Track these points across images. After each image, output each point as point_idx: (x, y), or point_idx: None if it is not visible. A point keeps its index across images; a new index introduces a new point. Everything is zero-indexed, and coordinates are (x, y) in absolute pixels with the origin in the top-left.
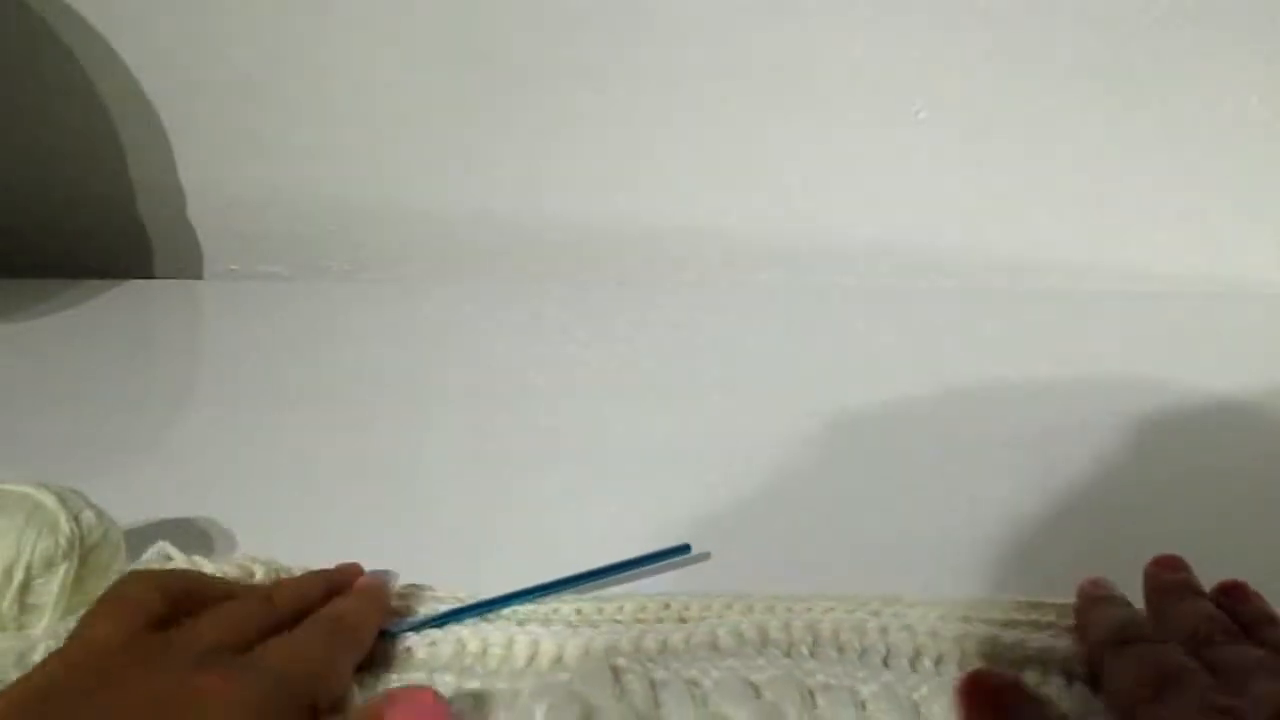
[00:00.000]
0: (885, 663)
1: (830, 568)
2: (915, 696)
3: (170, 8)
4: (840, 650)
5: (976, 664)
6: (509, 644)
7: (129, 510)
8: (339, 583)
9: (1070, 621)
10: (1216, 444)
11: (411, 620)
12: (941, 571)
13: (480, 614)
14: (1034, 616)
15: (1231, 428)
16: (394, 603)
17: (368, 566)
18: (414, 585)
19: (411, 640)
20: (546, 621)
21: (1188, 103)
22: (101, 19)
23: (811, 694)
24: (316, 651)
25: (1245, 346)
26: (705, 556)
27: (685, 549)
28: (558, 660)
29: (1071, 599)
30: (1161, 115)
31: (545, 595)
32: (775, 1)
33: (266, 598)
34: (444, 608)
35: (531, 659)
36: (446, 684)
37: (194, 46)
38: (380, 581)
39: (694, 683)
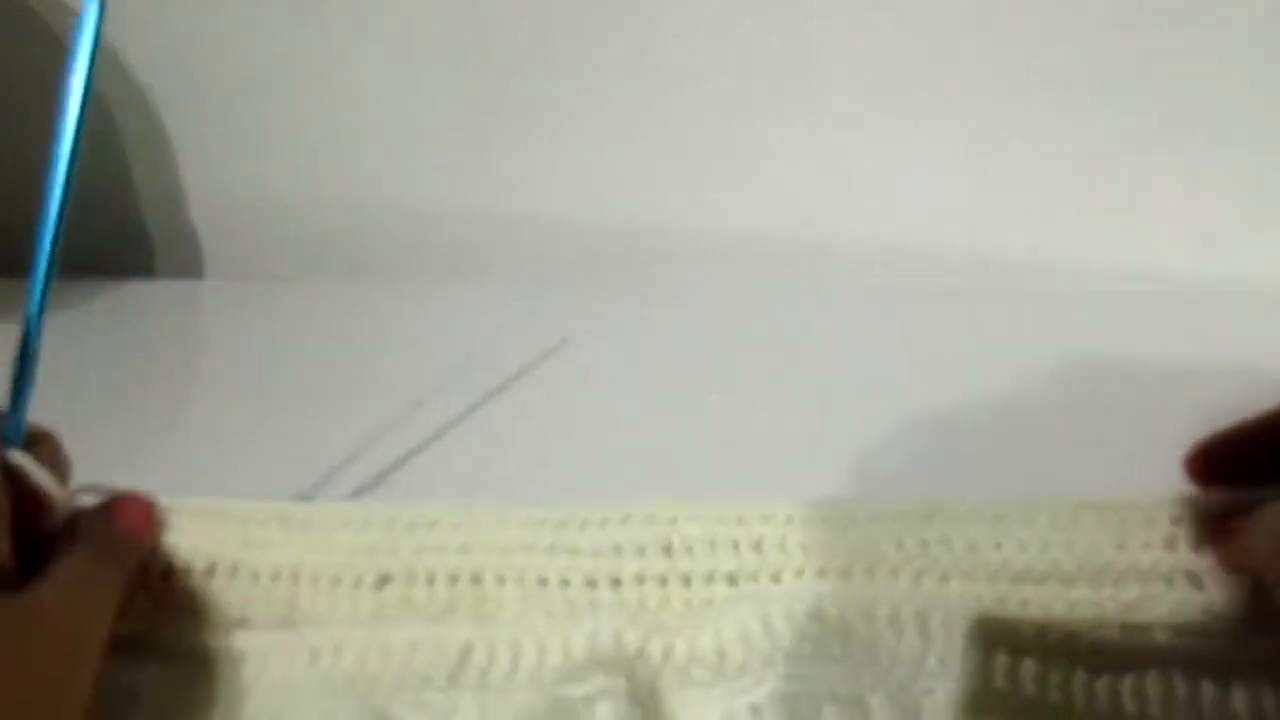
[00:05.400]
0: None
1: None
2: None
3: (170, 8)
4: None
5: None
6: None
7: None
8: None
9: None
10: None
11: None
12: None
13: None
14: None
15: None
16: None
17: None
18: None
19: None
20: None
21: (1188, 103)
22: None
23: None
24: None
25: (1245, 346)
26: None
27: None
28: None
29: None
30: (1161, 115)
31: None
32: (775, 1)
33: None
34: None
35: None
36: None
37: (194, 46)
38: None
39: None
